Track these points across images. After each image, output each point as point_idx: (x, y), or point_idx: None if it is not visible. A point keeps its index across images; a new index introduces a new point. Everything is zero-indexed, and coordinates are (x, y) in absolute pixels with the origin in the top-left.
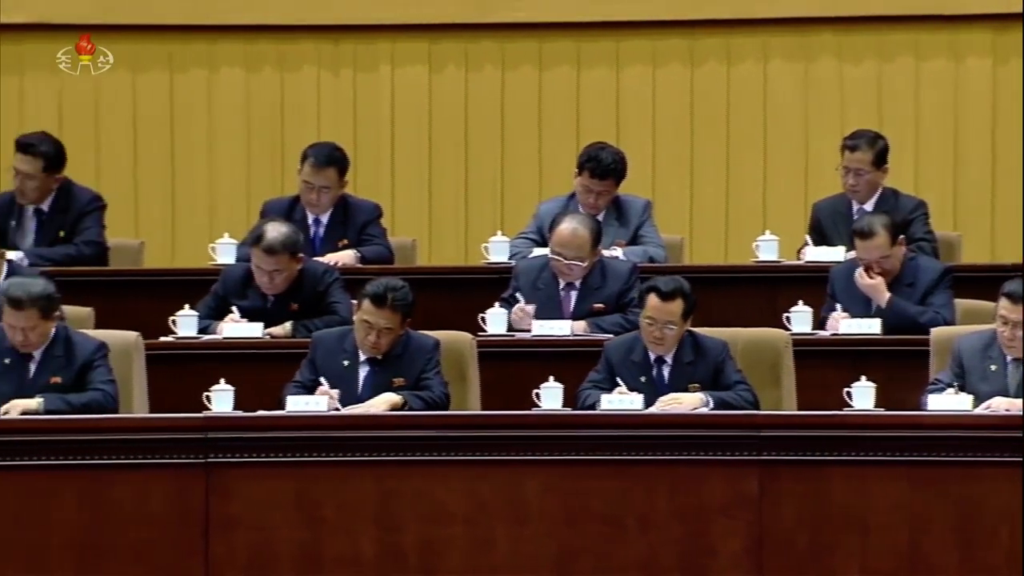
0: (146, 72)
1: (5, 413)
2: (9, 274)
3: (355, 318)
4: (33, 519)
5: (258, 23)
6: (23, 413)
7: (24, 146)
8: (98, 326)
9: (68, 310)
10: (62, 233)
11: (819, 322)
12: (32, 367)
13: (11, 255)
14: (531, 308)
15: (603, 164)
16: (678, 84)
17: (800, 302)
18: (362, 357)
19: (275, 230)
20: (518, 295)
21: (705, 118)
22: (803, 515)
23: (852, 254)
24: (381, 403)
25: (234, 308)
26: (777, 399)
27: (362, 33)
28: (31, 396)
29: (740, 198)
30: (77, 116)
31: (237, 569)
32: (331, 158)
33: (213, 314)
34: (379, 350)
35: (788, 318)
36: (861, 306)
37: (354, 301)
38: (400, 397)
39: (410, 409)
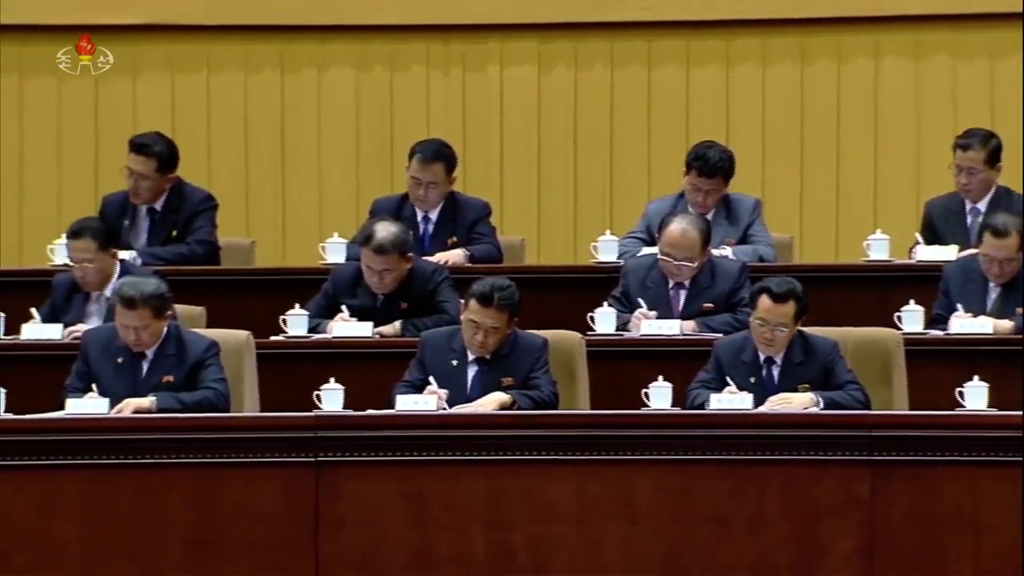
0: (257, 72)
1: (118, 412)
2: (122, 273)
3: (462, 318)
4: (146, 517)
5: (368, 23)
6: (136, 411)
7: (138, 146)
8: (210, 325)
9: (180, 309)
10: (175, 232)
11: (930, 321)
12: (144, 366)
13: (124, 254)
14: (653, 314)
15: (710, 162)
16: (788, 82)
17: (912, 301)
18: (470, 357)
19: (385, 229)
20: (640, 300)
21: (816, 116)
22: (915, 515)
23: (965, 253)
24: (490, 402)
25: (344, 307)
26: (888, 399)
27: (472, 33)
28: (143, 395)
29: (851, 197)
30: (189, 116)
31: (347, 568)
32: (438, 154)
33: (323, 313)
34: (486, 349)
35: (899, 317)
36: (975, 305)
37: (462, 300)
38: (509, 396)
39: (519, 408)
